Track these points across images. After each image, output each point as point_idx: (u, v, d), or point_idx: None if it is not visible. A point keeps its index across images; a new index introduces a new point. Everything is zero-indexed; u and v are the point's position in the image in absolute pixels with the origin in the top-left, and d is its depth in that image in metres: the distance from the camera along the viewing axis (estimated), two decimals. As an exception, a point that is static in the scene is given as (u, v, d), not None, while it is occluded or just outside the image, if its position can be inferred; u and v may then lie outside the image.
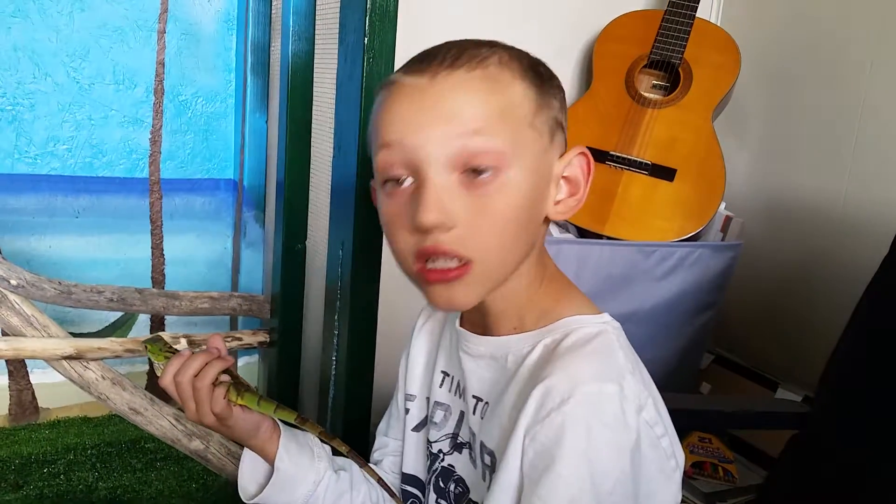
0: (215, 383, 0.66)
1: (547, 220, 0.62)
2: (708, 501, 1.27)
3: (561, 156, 0.61)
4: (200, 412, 0.67)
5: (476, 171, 0.56)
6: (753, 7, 1.65)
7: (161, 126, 1.59)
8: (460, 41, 0.60)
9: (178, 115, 1.59)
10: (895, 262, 0.99)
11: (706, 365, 1.59)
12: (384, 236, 0.62)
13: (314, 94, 1.29)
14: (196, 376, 0.66)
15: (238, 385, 0.68)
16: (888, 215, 1.35)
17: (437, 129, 0.55)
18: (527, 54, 0.61)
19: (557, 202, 0.61)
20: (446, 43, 0.59)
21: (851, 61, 1.43)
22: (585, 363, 0.56)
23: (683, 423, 1.11)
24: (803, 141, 1.53)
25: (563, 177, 0.61)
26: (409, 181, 0.57)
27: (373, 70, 1.01)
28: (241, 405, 0.68)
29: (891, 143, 1.36)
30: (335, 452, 0.76)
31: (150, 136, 1.59)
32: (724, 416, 1.09)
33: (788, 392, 1.41)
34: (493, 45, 0.59)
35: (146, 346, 0.72)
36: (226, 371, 0.68)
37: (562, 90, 0.63)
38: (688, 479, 1.30)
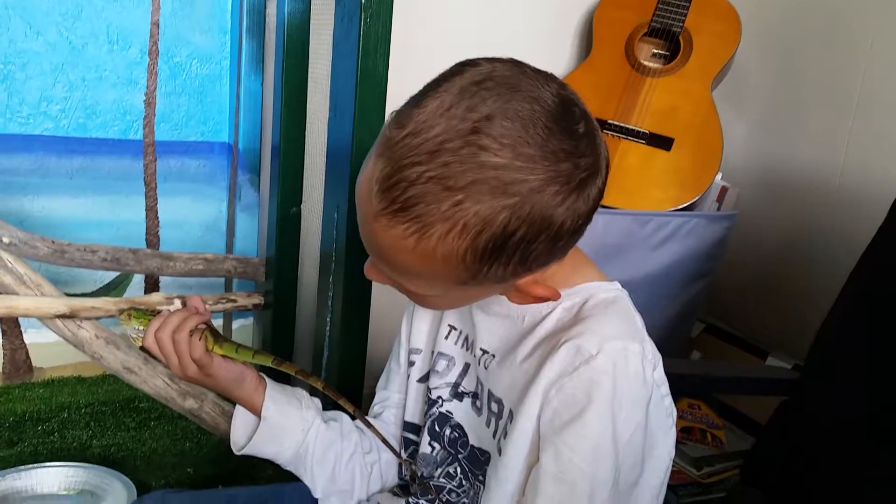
0: (192, 332, 0.68)
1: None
2: (696, 466, 1.29)
3: (529, 282, 0.59)
4: (183, 364, 0.68)
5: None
6: (755, -24, 1.63)
7: (155, 88, 1.57)
8: (430, 172, 0.50)
9: (173, 76, 1.58)
10: (891, 230, 0.99)
11: (697, 333, 1.60)
12: None
13: (310, 55, 1.28)
14: (175, 330, 0.68)
15: (216, 335, 0.70)
16: (884, 187, 1.35)
17: (373, 253, 0.58)
18: (484, 224, 0.51)
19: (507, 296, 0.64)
20: (408, 174, 0.51)
21: (852, 32, 1.42)
22: (611, 323, 0.59)
23: (675, 387, 1.12)
24: (801, 112, 1.53)
25: (521, 289, 0.60)
26: None
27: (370, 30, 1.00)
28: (220, 355, 0.69)
29: (889, 114, 1.36)
30: (325, 405, 0.76)
31: (144, 98, 1.57)
32: (714, 381, 1.10)
33: (778, 361, 1.42)
34: (462, 197, 0.50)
35: (130, 314, 0.72)
36: (204, 324, 0.70)
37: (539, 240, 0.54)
38: (677, 444, 1.31)
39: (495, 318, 0.66)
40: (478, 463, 0.67)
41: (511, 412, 0.62)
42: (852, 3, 1.42)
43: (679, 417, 1.37)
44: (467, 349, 0.70)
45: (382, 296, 1.07)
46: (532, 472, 0.59)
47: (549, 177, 0.51)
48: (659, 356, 0.61)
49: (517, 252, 0.53)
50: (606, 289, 0.63)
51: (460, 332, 0.71)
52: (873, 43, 1.38)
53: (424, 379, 0.74)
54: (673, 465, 1.28)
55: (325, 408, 0.77)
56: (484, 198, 0.50)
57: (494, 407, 0.64)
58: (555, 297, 0.60)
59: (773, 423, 1.05)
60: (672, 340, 1.52)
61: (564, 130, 0.52)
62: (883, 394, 0.93)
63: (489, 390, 0.65)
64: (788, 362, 1.40)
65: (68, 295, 1.25)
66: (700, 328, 1.61)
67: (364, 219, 0.55)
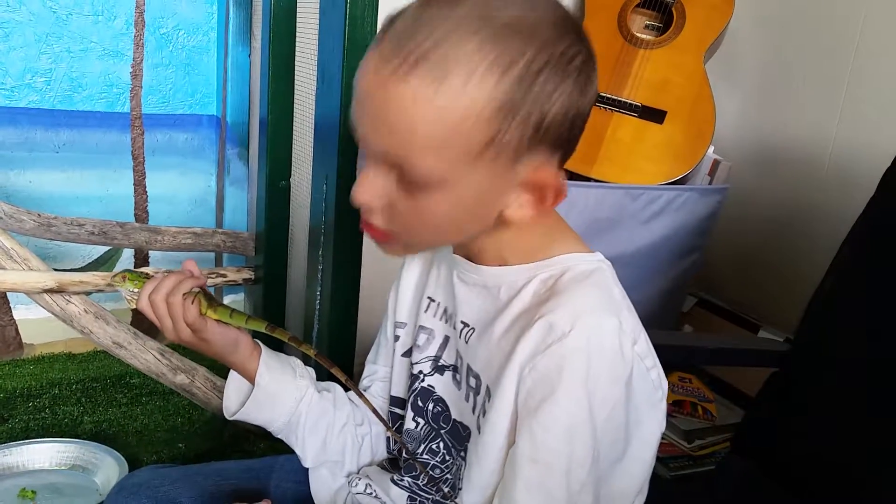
0: (186, 295, 0.67)
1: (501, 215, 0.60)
2: (687, 439, 1.30)
3: (539, 166, 0.56)
4: (177, 327, 0.68)
5: (405, 182, 0.56)
6: (750, -54, 1.61)
7: (142, 59, 1.55)
8: (448, 23, 0.51)
9: (160, 48, 1.55)
10: (881, 203, 0.99)
11: (689, 307, 1.60)
12: None
13: (298, 25, 1.26)
14: (169, 293, 0.67)
15: (211, 299, 0.70)
16: (875, 160, 1.34)
17: (382, 137, 0.54)
18: (514, 42, 0.51)
19: (520, 207, 0.58)
20: (430, 22, 0.51)
21: (845, 6, 1.41)
22: (586, 297, 0.57)
23: (667, 359, 1.12)
24: (794, 85, 1.51)
25: (526, 183, 0.56)
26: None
27: (357, -2, 0.98)
28: (214, 318, 0.69)
29: (880, 89, 1.35)
30: (320, 376, 0.76)
31: (130, 70, 1.55)
32: (705, 353, 1.10)
33: (770, 334, 1.43)
34: (483, 24, 0.51)
35: (124, 276, 0.72)
36: (198, 288, 0.69)
37: (561, 82, 0.53)
38: (668, 416, 1.32)
39: (473, 290, 0.65)
40: (459, 438, 0.66)
41: (488, 389, 0.61)
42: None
43: (670, 391, 1.37)
44: (446, 321, 0.69)
45: (373, 268, 1.06)
46: (510, 452, 0.57)
47: (560, 33, 0.53)
48: (640, 328, 0.59)
49: (534, 111, 0.52)
50: (586, 260, 0.61)
51: (439, 304, 0.70)
52: (865, 17, 1.37)
53: (408, 353, 0.73)
54: (664, 438, 1.29)
55: (319, 378, 0.77)
56: (507, 41, 0.51)
57: (472, 382, 0.63)
58: (561, 191, 0.56)
59: (763, 393, 1.06)
60: (663, 314, 1.53)
61: (569, 18, 0.55)
62: (871, 365, 0.93)
63: (468, 364, 0.64)
64: (780, 336, 1.40)
65: (56, 271, 1.24)
66: (692, 302, 1.61)
67: (368, 95, 0.53)
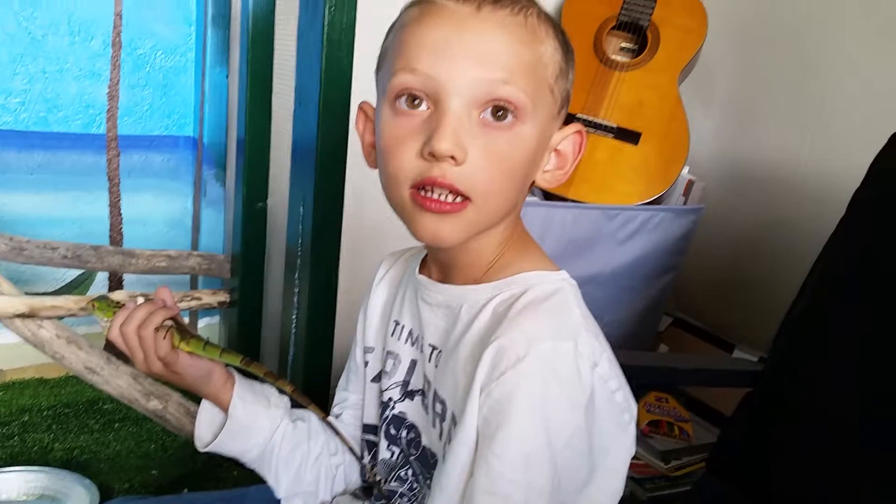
0: (158, 329, 0.66)
1: (532, 186, 0.63)
2: (664, 459, 1.30)
3: (560, 128, 0.62)
4: (148, 360, 0.67)
5: (495, 115, 0.56)
6: (722, -29, 1.65)
7: (118, 80, 1.54)
8: None
9: (136, 69, 1.54)
10: (851, 223, 1.00)
11: (664, 327, 1.61)
12: (380, 156, 0.60)
13: (275, 47, 1.26)
14: (141, 325, 0.66)
15: (183, 331, 0.69)
16: (845, 181, 1.37)
17: (470, 68, 0.55)
18: (555, 20, 0.61)
19: (546, 171, 0.62)
20: None
21: (818, 28, 1.44)
22: (540, 321, 0.56)
23: (642, 380, 1.13)
24: (767, 106, 1.54)
25: (557, 149, 0.62)
26: (424, 106, 0.56)
27: (334, 20, 0.99)
28: (186, 351, 0.68)
29: (849, 111, 1.38)
30: (294, 404, 0.75)
31: (107, 91, 1.54)
32: (680, 374, 1.11)
33: (744, 354, 1.44)
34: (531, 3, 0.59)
35: (93, 305, 0.71)
36: (171, 319, 0.68)
37: (574, 66, 0.62)
38: (644, 437, 1.32)
39: (437, 311, 0.64)
40: (427, 465, 0.65)
41: (454, 416, 0.59)
42: (813, 1, 1.44)
43: (647, 411, 1.38)
44: (412, 344, 0.68)
45: (350, 291, 1.06)
46: (468, 484, 0.55)
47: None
48: (602, 349, 0.58)
49: (566, 85, 0.61)
50: (549, 279, 0.60)
51: (404, 327, 0.69)
52: (835, 39, 1.40)
53: (378, 378, 0.72)
54: (640, 459, 1.29)
55: (294, 405, 0.76)
56: (552, 21, 0.60)
57: (438, 408, 0.62)
58: (568, 162, 0.62)
59: (737, 414, 1.06)
60: (640, 334, 1.53)
61: None
62: (844, 383, 0.94)
63: (435, 389, 0.63)
64: (755, 355, 1.41)
65: (29, 294, 1.22)
66: (667, 322, 1.62)
67: (457, 32, 0.55)
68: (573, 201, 1.46)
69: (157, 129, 1.59)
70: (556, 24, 0.59)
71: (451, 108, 0.55)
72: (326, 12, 0.98)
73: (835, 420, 0.94)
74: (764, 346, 1.23)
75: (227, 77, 1.44)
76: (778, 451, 0.98)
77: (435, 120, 0.55)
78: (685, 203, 1.48)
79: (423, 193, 0.56)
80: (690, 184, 1.47)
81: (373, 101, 0.63)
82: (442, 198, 0.56)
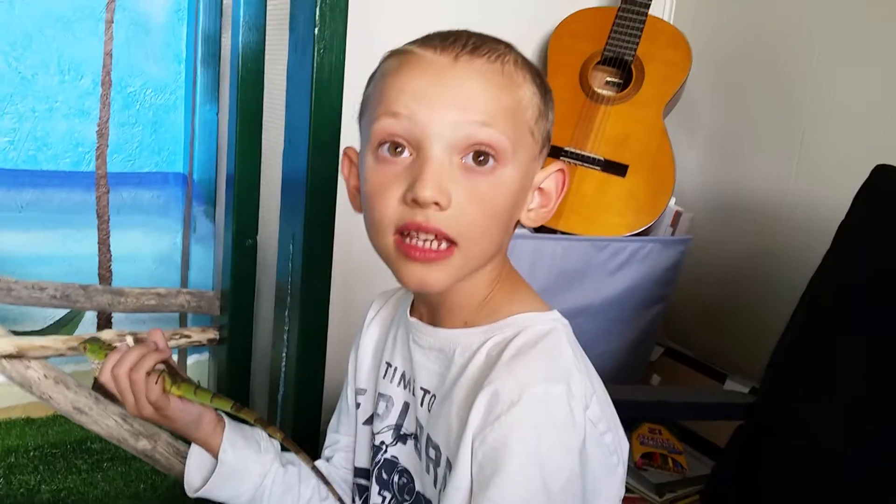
0: (150, 373, 0.66)
1: (517, 225, 0.64)
2: (658, 492, 1.29)
3: (542, 168, 0.64)
4: (139, 404, 0.67)
5: (476, 160, 0.57)
6: (705, 5, 1.68)
7: (108, 118, 1.54)
8: (476, 32, 0.61)
9: (126, 106, 1.55)
10: (837, 254, 1.02)
11: (656, 357, 1.61)
12: (364, 202, 0.61)
13: (265, 85, 1.27)
14: (132, 368, 0.66)
15: (174, 375, 0.69)
16: (832, 210, 1.38)
17: (450, 112, 0.56)
18: (533, 64, 0.63)
19: (530, 210, 0.64)
20: (463, 30, 0.60)
21: (800, 61, 1.47)
22: (533, 365, 0.57)
23: (632, 413, 1.13)
24: (752, 138, 1.56)
25: (540, 188, 0.63)
26: (406, 154, 0.57)
27: (324, 61, 1.00)
28: (177, 395, 0.68)
29: (835, 141, 1.40)
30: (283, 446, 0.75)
31: (97, 129, 1.54)
32: (672, 408, 1.11)
33: (736, 384, 1.44)
34: (507, 45, 0.61)
35: (85, 346, 0.71)
36: (163, 362, 0.69)
37: (553, 108, 0.65)
38: (638, 470, 1.32)
39: (430, 354, 0.64)
40: None
41: (448, 461, 0.59)
42: (799, 32, 1.47)
43: (640, 443, 1.37)
44: (405, 387, 0.68)
45: (341, 329, 1.06)
46: None
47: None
48: (593, 390, 0.58)
49: (546, 126, 0.62)
50: (541, 320, 0.61)
51: (396, 370, 0.69)
52: (820, 71, 1.43)
53: (370, 421, 0.72)
54: (634, 492, 1.28)
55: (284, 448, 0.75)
56: (532, 66, 0.62)
57: (432, 453, 0.62)
58: (552, 200, 0.63)
59: (730, 447, 1.07)
60: (632, 365, 1.53)
61: None
62: (835, 413, 0.95)
63: (428, 434, 0.63)
64: (747, 385, 1.41)
65: (16, 333, 1.21)
66: (659, 352, 1.62)
67: (435, 81, 0.56)
68: (563, 233, 1.47)
69: (147, 166, 1.59)
70: (533, 69, 0.61)
71: (433, 154, 0.56)
72: (315, 53, 0.99)
73: (826, 450, 0.94)
74: (755, 375, 1.24)
75: (217, 114, 1.45)
76: (770, 483, 0.98)
77: (417, 166, 0.56)
78: (673, 234, 1.49)
79: (407, 241, 0.57)
80: (678, 215, 1.48)
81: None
82: (427, 245, 0.56)
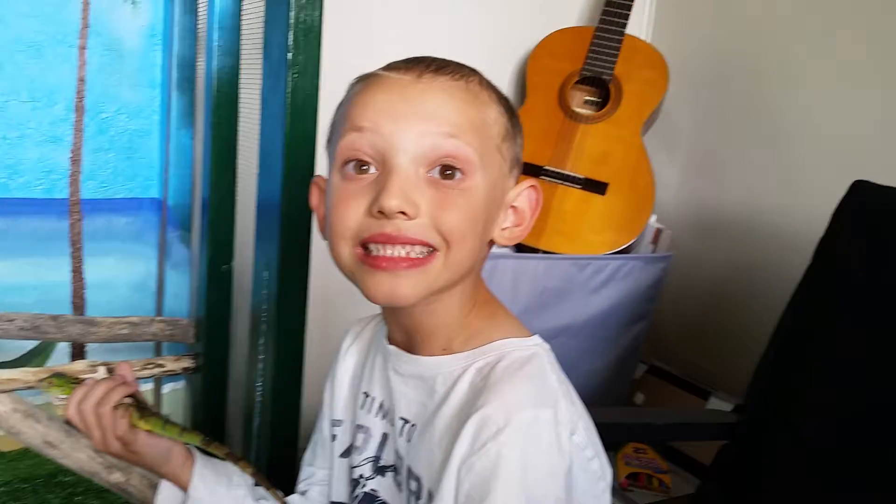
0: (117, 407, 0.64)
1: (490, 244, 0.62)
2: (644, 513, 1.28)
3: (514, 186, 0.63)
4: (105, 439, 0.66)
5: (443, 173, 0.56)
6: (682, 24, 1.69)
7: (81, 145, 1.52)
8: (442, 58, 0.61)
9: (100, 132, 1.53)
10: (818, 270, 1.01)
11: (640, 375, 1.61)
12: (328, 217, 0.59)
13: (240, 111, 1.26)
14: (98, 403, 0.65)
15: (142, 409, 0.67)
16: (812, 226, 1.39)
17: (415, 124, 0.55)
18: (499, 89, 0.63)
19: (504, 228, 0.63)
20: (428, 55, 0.61)
21: (774, 78, 1.48)
22: (520, 389, 0.56)
23: (615, 436, 1.11)
24: (731, 154, 1.57)
25: (513, 206, 0.63)
26: (373, 170, 0.56)
27: (297, 86, 0.99)
28: (145, 430, 0.67)
29: (813, 157, 1.41)
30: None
31: (70, 155, 1.52)
32: (655, 430, 1.10)
33: (720, 401, 1.43)
34: (472, 69, 0.61)
35: (50, 381, 0.69)
36: (131, 396, 0.67)
37: (522, 134, 0.64)
38: (623, 491, 1.30)
39: (410, 382, 0.63)
40: None
41: (430, 493, 0.58)
42: (775, 51, 1.48)
43: (625, 463, 1.36)
44: (383, 417, 0.66)
45: (319, 358, 1.03)
46: None
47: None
48: (579, 416, 0.58)
49: (515, 149, 0.62)
50: (523, 345, 0.60)
51: (374, 400, 0.68)
52: (793, 88, 1.44)
53: (347, 453, 0.70)
54: (621, 515, 1.26)
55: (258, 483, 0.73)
56: (497, 90, 0.63)
57: (413, 485, 0.61)
58: (535, 211, 0.63)
59: (715, 466, 1.06)
60: (615, 383, 1.52)
61: None
62: (818, 430, 0.94)
63: (408, 466, 0.62)
64: (730, 402, 1.41)
65: (-16, 366, 1.18)
66: (643, 370, 1.62)
67: (401, 98, 0.56)
68: (544, 252, 1.46)
69: (121, 192, 1.57)
70: (499, 93, 0.61)
71: (398, 166, 0.55)
72: (289, 78, 0.98)
73: (811, 471, 0.93)
74: (739, 391, 1.23)
75: (192, 139, 1.44)
76: (755, 502, 0.98)
77: (383, 179, 0.55)
78: (654, 251, 1.49)
79: (373, 253, 0.55)
80: (658, 232, 1.48)
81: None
82: (394, 253, 0.55)
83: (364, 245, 0.56)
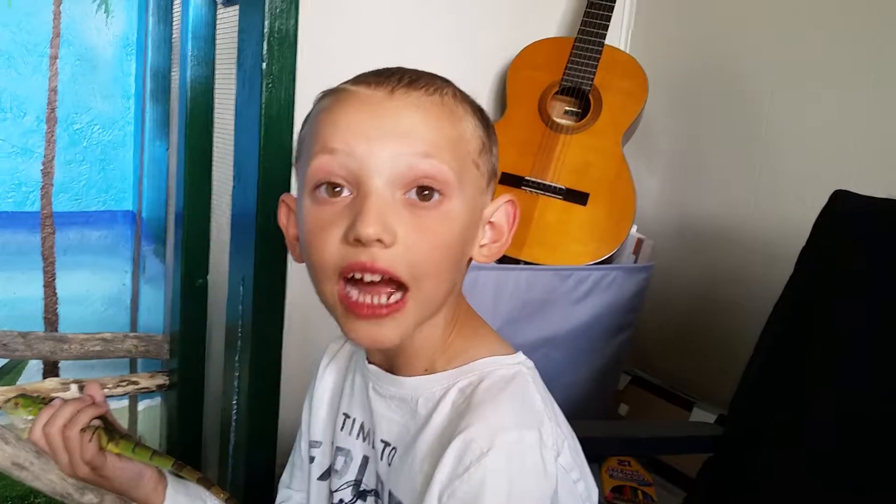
0: (85, 429, 0.62)
1: (469, 262, 0.61)
2: (629, 527, 1.27)
3: (491, 201, 0.62)
4: (73, 463, 0.63)
5: (420, 195, 0.54)
6: (660, 35, 1.70)
7: (53, 156, 1.49)
8: (413, 68, 0.59)
9: (73, 144, 1.50)
10: (800, 281, 1.01)
11: (623, 386, 1.60)
12: (304, 250, 0.57)
13: (215, 122, 1.24)
14: (66, 425, 0.62)
15: (112, 432, 0.65)
16: (793, 234, 1.39)
17: (389, 144, 0.53)
18: (473, 99, 0.61)
19: (482, 245, 0.61)
20: (399, 67, 0.58)
21: (754, 88, 1.48)
22: (503, 411, 0.55)
23: (598, 450, 1.10)
24: (710, 164, 1.57)
25: (490, 222, 0.61)
26: (346, 193, 0.54)
27: (272, 96, 0.97)
28: (115, 453, 0.65)
29: (793, 165, 1.41)
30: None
31: (41, 168, 1.49)
32: (639, 443, 1.09)
33: (704, 411, 1.43)
34: (445, 80, 0.59)
35: (16, 402, 0.67)
36: (100, 418, 0.65)
37: (497, 144, 0.62)
38: (609, 505, 1.29)
39: (391, 403, 0.61)
40: None
41: None
42: (752, 60, 1.49)
43: (610, 476, 1.35)
44: (364, 439, 0.64)
45: (298, 376, 1.01)
46: None
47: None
48: (564, 437, 0.56)
49: (492, 161, 0.60)
50: (506, 364, 0.58)
51: (354, 421, 0.66)
52: (774, 97, 1.44)
53: (326, 476, 0.68)
54: (606, 529, 1.25)
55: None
56: (471, 101, 0.60)
57: None
58: (504, 234, 0.61)
59: (700, 480, 1.05)
60: (600, 394, 1.51)
61: None
62: (802, 441, 0.93)
63: (389, 491, 0.60)
64: (714, 412, 1.40)
65: (-50, 385, 1.14)
66: (626, 380, 1.61)
67: (372, 115, 0.54)
68: (526, 263, 1.45)
69: (95, 205, 1.53)
70: (474, 103, 0.59)
71: (373, 189, 0.53)
72: (264, 88, 0.96)
73: (797, 483, 0.93)
74: (723, 402, 1.23)
75: (167, 151, 1.41)
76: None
77: (358, 203, 0.53)
78: (636, 261, 1.49)
79: (352, 295, 0.53)
80: (640, 242, 1.48)
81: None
82: (376, 300, 0.53)
83: (344, 277, 0.54)
